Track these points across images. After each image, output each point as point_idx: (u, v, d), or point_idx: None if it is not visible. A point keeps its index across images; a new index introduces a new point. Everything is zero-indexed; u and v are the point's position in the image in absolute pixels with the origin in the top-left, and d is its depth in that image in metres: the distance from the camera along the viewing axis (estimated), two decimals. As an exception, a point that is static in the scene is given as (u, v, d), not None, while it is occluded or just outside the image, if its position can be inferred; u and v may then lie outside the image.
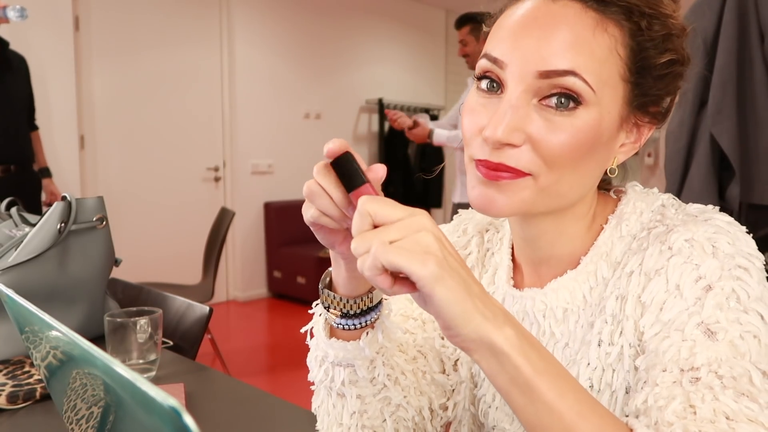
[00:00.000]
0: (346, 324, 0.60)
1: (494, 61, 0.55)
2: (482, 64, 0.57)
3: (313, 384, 0.68)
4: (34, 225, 1.19)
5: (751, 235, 0.57)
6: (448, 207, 5.81)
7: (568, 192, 0.57)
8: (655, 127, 0.60)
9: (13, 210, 1.23)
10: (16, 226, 1.19)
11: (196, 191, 4.45)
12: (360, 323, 0.60)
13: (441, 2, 5.88)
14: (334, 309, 0.60)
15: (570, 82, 0.52)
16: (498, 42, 0.56)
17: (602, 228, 0.63)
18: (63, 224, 1.14)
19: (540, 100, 0.54)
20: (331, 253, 0.58)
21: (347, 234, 0.55)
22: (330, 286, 0.61)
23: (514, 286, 0.68)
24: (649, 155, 4.54)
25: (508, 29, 0.55)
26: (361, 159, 0.51)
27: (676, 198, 0.63)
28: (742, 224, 0.57)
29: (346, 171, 0.49)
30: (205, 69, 4.43)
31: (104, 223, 1.22)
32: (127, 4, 3.98)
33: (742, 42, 1.68)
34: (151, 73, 4.12)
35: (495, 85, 0.56)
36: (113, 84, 3.96)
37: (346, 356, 0.62)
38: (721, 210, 0.58)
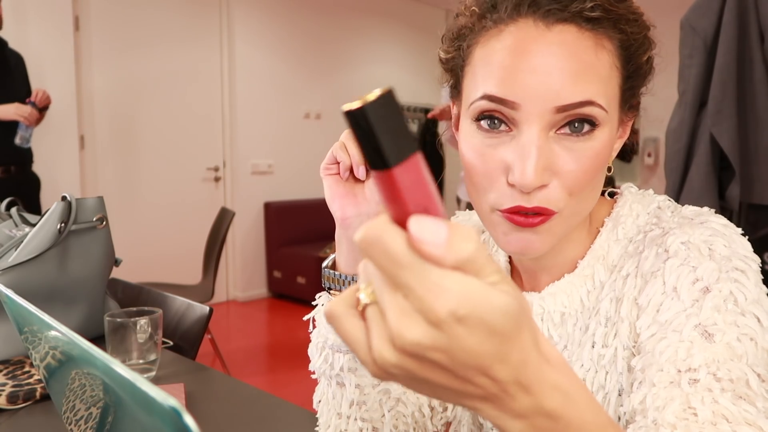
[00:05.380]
0: None
1: (501, 102, 0.52)
2: (483, 105, 0.53)
3: (313, 373, 0.69)
4: (34, 225, 1.19)
5: (751, 235, 0.57)
6: (447, 207, 5.81)
7: (587, 208, 0.58)
8: (634, 118, 0.61)
9: (13, 210, 1.23)
10: (16, 226, 1.19)
11: (196, 191, 4.45)
12: None
13: (441, 2, 5.88)
14: (335, 289, 0.61)
15: (587, 110, 0.52)
16: (498, 81, 0.52)
17: (598, 231, 0.63)
18: (63, 224, 1.14)
19: (556, 131, 0.53)
20: (337, 228, 0.61)
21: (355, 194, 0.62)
22: (333, 267, 0.63)
23: None
24: (649, 155, 4.54)
25: (505, 66, 0.52)
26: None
27: (672, 200, 0.63)
28: (742, 224, 0.57)
29: (392, 124, 0.28)
30: (205, 69, 4.43)
31: (104, 223, 1.21)
32: (127, 4, 3.98)
33: (742, 42, 1.68)
34: (151, 73, 4.13)
35: (497, 122, 0.54)
36: (113, 84, 3.96)
37: None
38: (721, 210, 0.58)
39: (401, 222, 0.29)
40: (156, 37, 4.14)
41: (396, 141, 0.28)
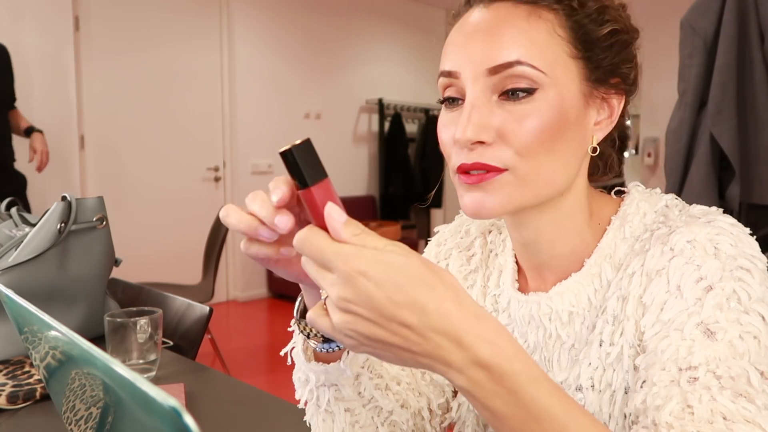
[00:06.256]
0: (329, 347, 0.58)
1: (449, 74, 0.58)
2: (440, 82, 0.60)
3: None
4: (34, 225, 1.19)
5: (753, 236, 0.56)
6: (448, 206, 5.81)
7: (553, 177, 0.57)
8: (624, 99, 0.61)
9: (13, 210, 1.23)
10: (16, 226, 1.19)
11: (196, 191, 4.45)
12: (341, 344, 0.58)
13: (441, 2, 5.88)
14: (315, 336, 0.58)
15: (519, 70, 0.54)
16: (448, 57, 0.59)
17: (605, 229, 0.63)
18: (63, 224, 1.14)
19: (499, 96, 0.56)
20: (302, 285, 0.56)
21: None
22: (305, 313, 0.59)
23: (519, 289, 0.68)
24: (649, 155, 4.54)
25: (453, 43, 0.59)
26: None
27: (680, 199, 0.63)
28: (741, 224, 0.57)
29: (309, 159, 0.44)
30: (205, 69, 4.43)
31: (104, 223, 1.21)
32: (127, 4, 3.98)
33: (742, 42, 1.68)
34: (151, 73, 4.12)
35: (454, 100, 0.59)
36: (113, 84, 3.96)
37: (328, 378, 0.61)
38: (721, 210, 0.58)
39: (321, 226, 0.44)
40: (156, 37, 4.14)
41: (312, 170, 0.44)
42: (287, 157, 0.44)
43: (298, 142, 0.44)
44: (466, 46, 0.57)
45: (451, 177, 0.60)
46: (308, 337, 0.59)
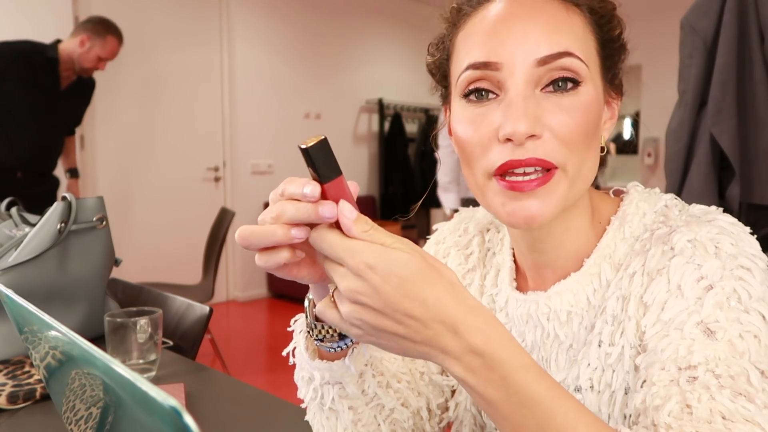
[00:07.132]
0: (341, 345, 0.58)
1: (484, 65, 0.54)
2: (468, 75, 0.55)
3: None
4: (34, 225, 1.19)
5: (753, 235, 0.56)
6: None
7: (588, 174, 0.57)
8: (620, 102, 0.62)
9: (13, 210, 1.23)
10: (16, 226, 1.19)
11: (196, 191, 4.45)
12: (351, 341, 0.58)
13: (442, 2, 5.88)
14: (332, 338, 0.57)
15: (568, 62, 0.53)
16: (479, 47, 0.55)
17: (605, 229, 0.63)
18: (63, 224, 1.14)
19: (541, 89, 0.54)
20: (312, 286, 0.55)
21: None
22: (316, 316, 0.58)
23: (517, 288, 0.68)
24: (649, 155, 4.54)
25: (485, 33, 0.55)
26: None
27: (679, 198, 0.63)
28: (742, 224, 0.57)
29: (325, 158, 0.45)
30: (205, 69, 4.43)
31: (104, 223, 1.21)
32: (126, 4, 3.98)
33: (742, 42, 1.68)
34: (151, 72, 4.12)
35: (484, 93, 0.55)
36: (113, 84, 3.96)
37: (333, 376, 0.61)
38: (721, 209, 0.58)
39: (335, 222, 0.46)
40: (156, 37, 4.14)
41: (327, 168, 0.45)
42: (305, 154, 0.45)
43: (315, 141, 0.45)
44: (505, 34, 0.54)
45: (475, 179, 0.57)
46: (322, 341, 0.57)
